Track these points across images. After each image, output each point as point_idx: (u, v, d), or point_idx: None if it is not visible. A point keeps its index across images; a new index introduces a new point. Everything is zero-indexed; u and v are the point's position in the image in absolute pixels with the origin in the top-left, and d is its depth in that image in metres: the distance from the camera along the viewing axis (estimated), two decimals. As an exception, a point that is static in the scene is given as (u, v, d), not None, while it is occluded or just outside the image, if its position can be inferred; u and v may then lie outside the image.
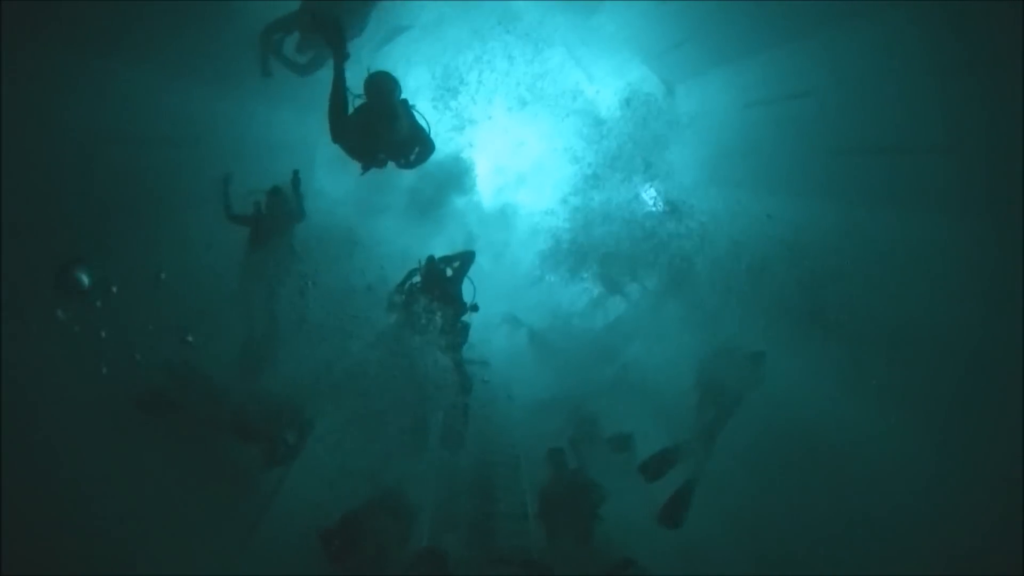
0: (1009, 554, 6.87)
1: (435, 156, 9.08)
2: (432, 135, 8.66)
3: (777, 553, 8.37)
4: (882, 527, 7.88)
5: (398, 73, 8.17)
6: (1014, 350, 7.23)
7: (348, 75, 7.78)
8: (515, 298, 9.99)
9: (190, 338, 7.72)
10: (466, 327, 9.04)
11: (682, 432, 9.02)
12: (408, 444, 9.00)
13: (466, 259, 9.21)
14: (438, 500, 8.83)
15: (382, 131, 8.14)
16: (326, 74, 7.85)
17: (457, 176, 10.98)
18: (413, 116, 8.36)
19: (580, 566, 8.53)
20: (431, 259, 9.02)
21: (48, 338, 6.44)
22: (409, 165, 8.68)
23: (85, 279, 6.56)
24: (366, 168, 8.36)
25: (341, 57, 7.63)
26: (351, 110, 7.96)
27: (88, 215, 7.67)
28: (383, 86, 7.99)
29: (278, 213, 9.19)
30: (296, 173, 9.30)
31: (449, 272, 9.05)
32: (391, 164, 8.51)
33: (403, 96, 8.20)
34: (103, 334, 6.65)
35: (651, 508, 8.96)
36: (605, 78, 11.70)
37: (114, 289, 6.69)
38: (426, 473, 8.94)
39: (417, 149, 8.51)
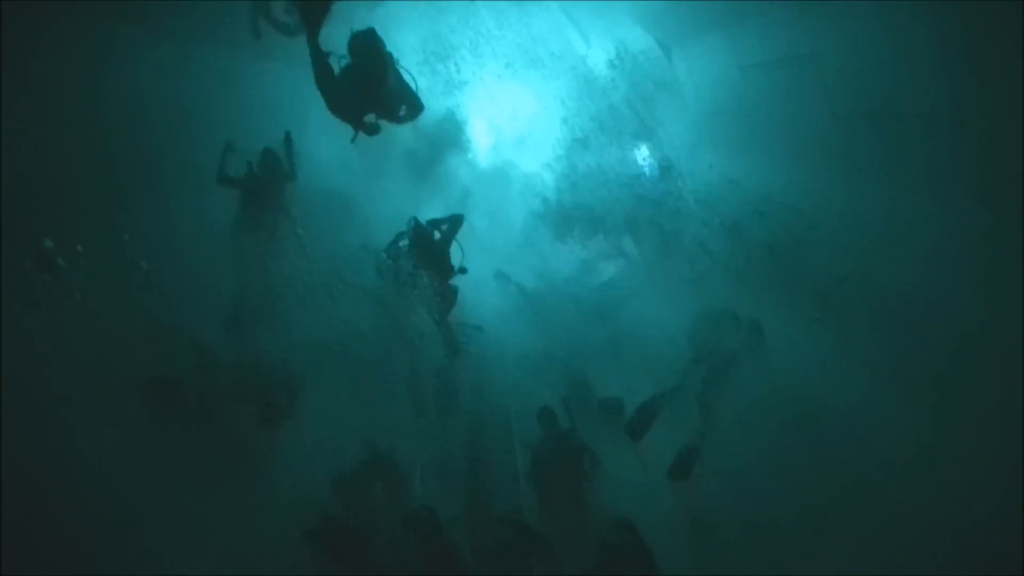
0: (1008, 524, 6.92)
1: (427, 118, 9.06)
2: (424, 97, 8.61)
3: (772, 518, 8.44)
4: (880, 495, 7.93)
5: (388, 36, 8.10)
6: (1011, 319, 7.23)
7: (336, 37, 7.73)
8: (508, 258, 9.99)
9: (144, 265, 7.78)
10: (454, 290, 9.07)
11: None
12: (400, 405, 9.08)
13: (454, 222, 9.21)
14: (430, 461, 8.91)
15: (371, 87, 8.09)
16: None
17: (450, 138, 10.92)
18: (399, 72, 8.30)
19: (573, 526, 8.62)
20: (416, 222, 9.02)
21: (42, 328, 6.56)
22: (399, 121, 8.64)
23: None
24: (356, 133, 8.32)
25: (315, 32, 7.54)
26: (338, 72, 7.92)
27: (80, 182, 7.74)
28: (367, 43, 7.92)
29: (270, 174, 9.20)
30: (288, 134, 9.29)
31: (437, 235, 9.05)
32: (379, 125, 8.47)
33: (388, 52, 8.15)
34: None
35: (646, 470, 9.07)
36: (600, 39, 11.56)
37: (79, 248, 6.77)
38: (418, 434, 9.02)
39: (404, 107, 8.46)
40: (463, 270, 9.08)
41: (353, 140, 8.25)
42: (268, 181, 9.20)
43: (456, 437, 9.09)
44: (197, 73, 9.12)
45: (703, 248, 9.66)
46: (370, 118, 8.29)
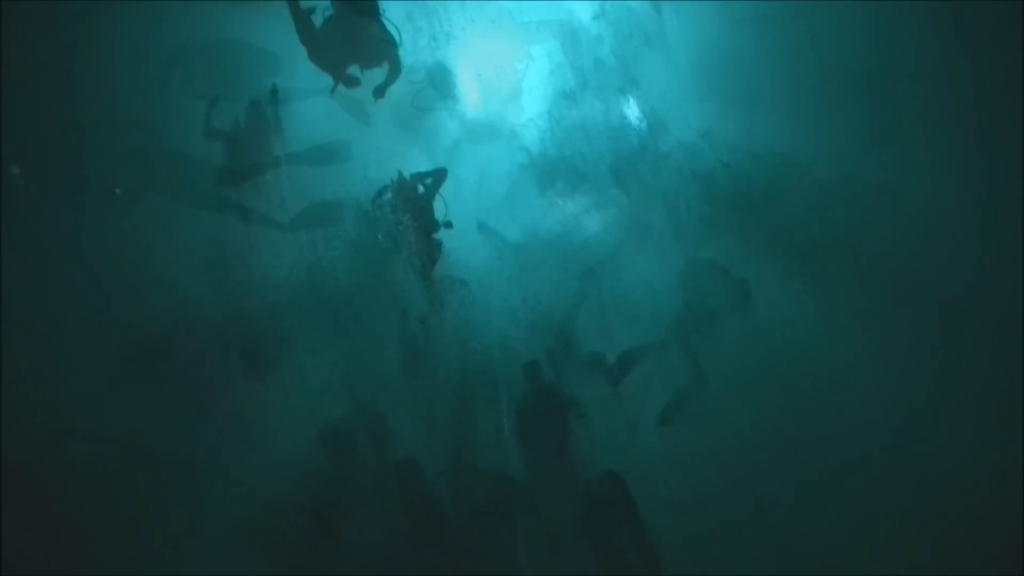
0: (1008, 488, 6.98)
1: (414, 71, 9.09)
2: (408, 51, 8.69)
3: (759, 475, 8.52)
4: (878, 464, 7.99)
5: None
6: (1007, 275, 7.25)
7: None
8: (494, 212, 9.97)
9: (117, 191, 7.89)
10: (439, 244, 9.11)
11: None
12: (385, 358, 9.12)
13: (438, 176, 9.23)
14: (415, 414, 8.97)
15: (355, 34, 8.15)
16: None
17: (437, 91, 10.81)
18: (384, 24, 8.35)
19: (558, 479, 8.70)
20: (400, 175, 9.05)
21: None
22: (379, 94, 8.92)
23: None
24: (336, 84, 8.41)
25: None
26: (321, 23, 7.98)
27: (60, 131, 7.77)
28: None
29: (256, 127, 9.18)
30: (274, 86, 9.26)
31: (421, 189, 9.08)
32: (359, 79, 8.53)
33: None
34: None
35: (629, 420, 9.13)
36: (587, -9, 11.46)
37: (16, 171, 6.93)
38: (403, 387, 9.07)
39: (387, 67, 8.50)
40: (449, 224, 9.13)
41: (333, 91, 8.32)
42: (254, 133, 9.18)
43: (441, 390, 9.14)
44: (182, 24, 9.06)
45: (686, 202, 9.68)
46: (354, 70, 8.36)
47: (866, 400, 8.28)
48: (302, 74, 9.27)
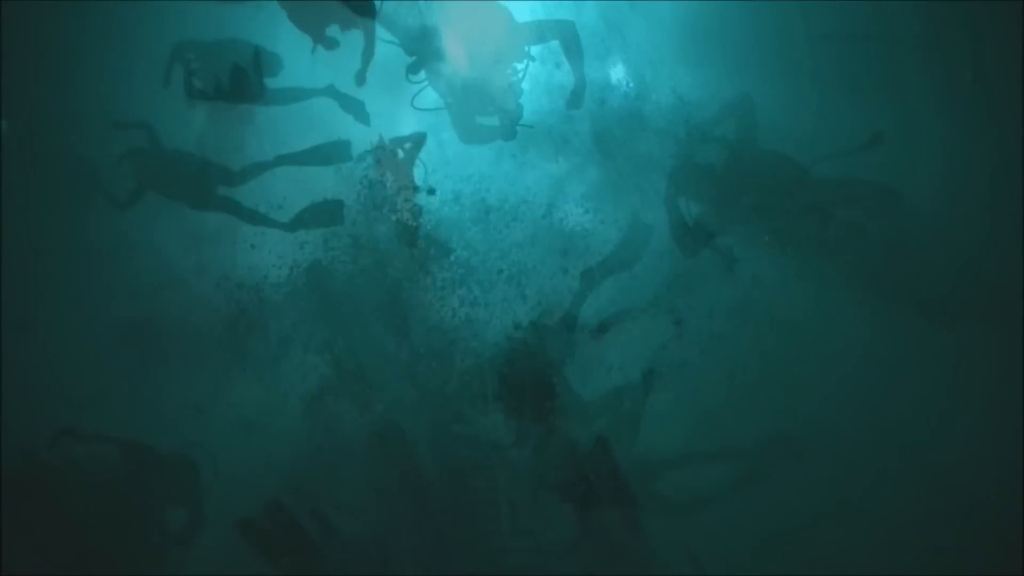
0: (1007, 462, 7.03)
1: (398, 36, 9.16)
2: (393, 15, 8.68)
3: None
4: (877, 463, 8.04)
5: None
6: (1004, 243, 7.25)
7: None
8: (477, 178, 9.96)
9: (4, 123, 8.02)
10: (419, 210, 9.12)
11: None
12: (369, 325, 9.18)
13: (417, 141, 9.21)
14: (398, 379, 9.04)
15: None
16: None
17: (422, 55, 10.73)
18: None
19: (542, 446, 8.78)
20: (381, 140, 9.03)
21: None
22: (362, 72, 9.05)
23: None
24: (315, 46, 8.44)
25: None
26: None
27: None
28: None
29: (238, 91, 9.15)
30: (257, 50, 9.20)
31: (401, 154, 9.07)
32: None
33: None
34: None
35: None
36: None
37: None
38: (386, 354, 9.13)
39: (363, 43, 8.49)
40: (432, 191, 9.15)
41: (312, 52, 8.33)
42: (237, 98, 9.18)
43: (425, 358, 9.21)
44: (182, 24, 9.06)
45: (671, 167, 9.67)
46: (333, 31, 8.40)
47: (864, 396, 8.31)
48: (303, 73, 9.31)
